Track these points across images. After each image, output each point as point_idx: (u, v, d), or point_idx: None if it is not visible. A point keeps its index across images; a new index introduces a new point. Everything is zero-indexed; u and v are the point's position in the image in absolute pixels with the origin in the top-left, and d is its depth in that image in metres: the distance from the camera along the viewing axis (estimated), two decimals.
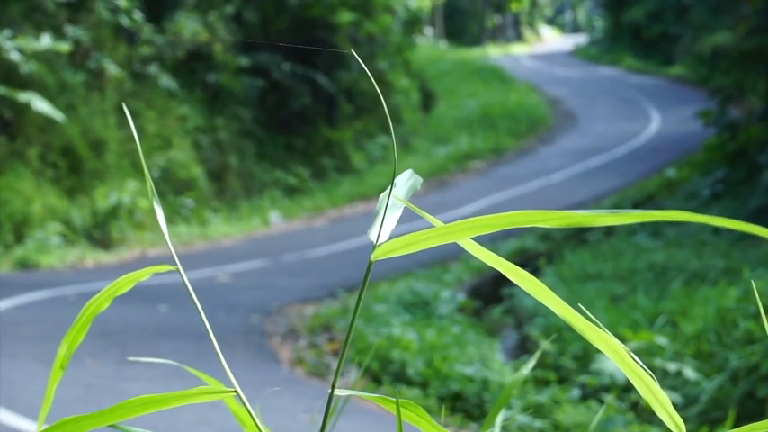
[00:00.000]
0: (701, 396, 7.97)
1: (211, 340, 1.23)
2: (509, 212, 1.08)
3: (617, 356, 1.11)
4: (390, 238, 1.16)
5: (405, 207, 1.21)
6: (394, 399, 1.15)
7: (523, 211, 1.07)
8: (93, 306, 1.22)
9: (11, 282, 12.20)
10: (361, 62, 1.13)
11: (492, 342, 10.40)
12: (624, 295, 11.21)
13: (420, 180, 1.26)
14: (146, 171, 1.23)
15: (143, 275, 1.20)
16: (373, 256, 1.13)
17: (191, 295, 1.21)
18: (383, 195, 1.20)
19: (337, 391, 1.16)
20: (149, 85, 18.03)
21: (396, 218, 1.19)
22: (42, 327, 9.53)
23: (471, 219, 1.09)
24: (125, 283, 1.21)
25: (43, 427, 1.15)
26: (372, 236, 1.16)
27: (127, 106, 16.45)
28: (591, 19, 59.00)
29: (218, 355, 1.22)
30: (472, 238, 1.11)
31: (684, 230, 13.90)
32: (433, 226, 1.12)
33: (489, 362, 9.11)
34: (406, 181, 1.26)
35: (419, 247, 1.12)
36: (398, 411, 1.14)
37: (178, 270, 1.20)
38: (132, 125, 1.25)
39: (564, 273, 12.77)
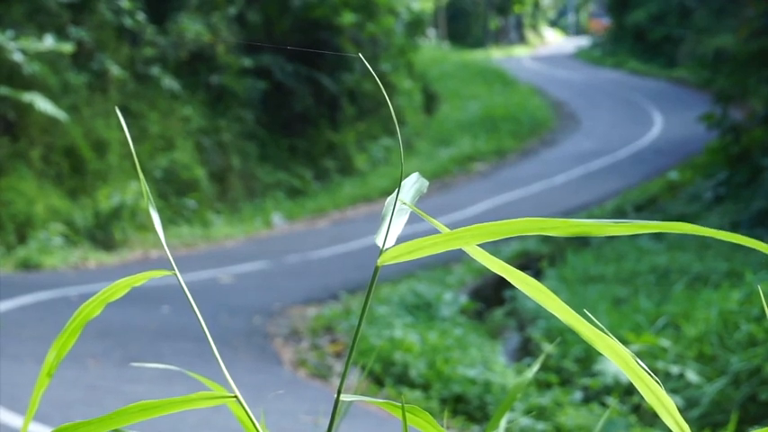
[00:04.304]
0: (703, 399, 7.97)
1: (213, 344, 1.22)
2: (516, 219, 1.07)
3: (621, 361, 1.11)
4: (396, 241, 1.16)
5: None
6: (399, 403, 1.14)
7: (530, 218, 1.07)
8: (85, 312, 1.20)
9: (13, 282, 12.20)
10: (367, 64, 1.12)
11: (494, 344, 10.39)
12: (626, 298, 11.20)
13: (426, 183, 1.25)
14: (141, 177, 1.22)
15: (138, 281, 1.19)
16: (380, 261, 1.13)
17: (189, 300, 1.20)
18: (390, 199, 1.19)
19: (343, 396, 1.16)
20: (152, 87, 18.03)
21: (402, 222, 1.19)
22: (45, 328, 9.53)
23: (478, 225, 1.08)
24: (119, 288, 1.20)
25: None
26: (379, 240, 1.16)
27: (129, 107, 16.46)
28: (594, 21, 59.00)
29: (218, 361, 1.21)
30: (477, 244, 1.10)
31: (687, 233, 13.86)
32: (438, 230, 1.12)
33: (491, 364, 9.11)
34: (412, 184, 1.25)
35: (425, 253, 1.11)
36: (404, 417, 1.14)
37: (175, 275, 1.20)
38: (126, 130, 1.24)
39: (566, 275, 12.77)
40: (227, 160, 19.10)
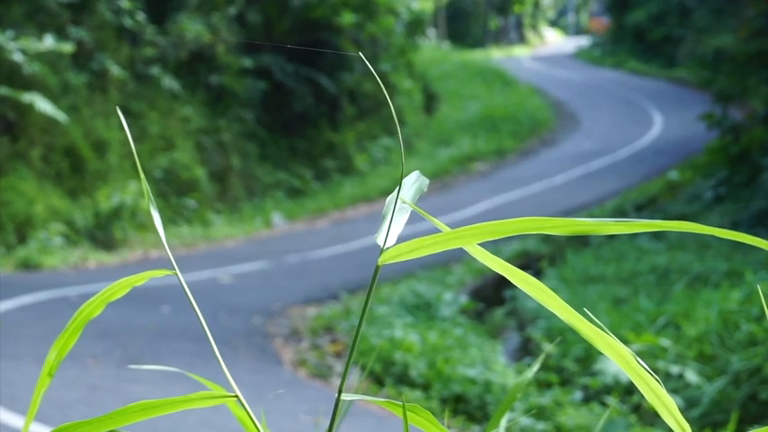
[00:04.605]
0: (704, 399, 7.96)
1: (214, 344, 1.22)
2: (517, 219, 1.07)
3: (621, 360, 1.11)
4: (397, 241, 1.16)
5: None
6: (400, 402, 1.14)
7: (531, 217, 1.07)
8: (86, 311, 1.20)
9: (13, 282, 12.20)
10: (368, 64, 1.12)
11: (494, 344, 10.39)
12: (626, 298, 11.19)
13: (427, 182, 1.25)
14: (142, 177, 1.22)
15: (139, 280, 1.19)
16: (380, 261, 1.13)
17: (190, 300, 1.20)
18: (390, 198, 1.19)
19: (344, 396, 1.16)
20: (152, 87, 18.03)
21: (403, 221, 1.19)
22: (44, 328, 9.53)
23: (479, 224, 1.08)
24: (120, 288, 1.20)
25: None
26: (379, 239, 1.15)
27: (129, 107, 16.42)
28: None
29: (218, 361, 1.21)
30: (478, 244, 1.10)
31: (687, 233, 13.85)
32: (438, 229, 1.12)
33: (492, 364, 9.11)
34: (412, 183, 1.25)
35: (426, 252, 1.11)
36: (405, 415, 1.13)
37: (176, 274, 1.19)
38: (127, 130, 1.24)
39: (566, 275, 12.76)
40: (227, 160, 19.10)
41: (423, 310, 11.23)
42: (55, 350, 1.20)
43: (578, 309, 1.11)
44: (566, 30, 64.93)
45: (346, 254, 14.88)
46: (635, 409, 8.20)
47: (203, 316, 1.22)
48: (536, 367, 1.83)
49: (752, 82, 17.33)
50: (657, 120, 28.85)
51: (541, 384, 8.85)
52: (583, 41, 52.64)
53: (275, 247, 15.59)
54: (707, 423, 7.68)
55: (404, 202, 1.20)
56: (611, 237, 14.59)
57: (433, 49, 39.21)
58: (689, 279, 11.56)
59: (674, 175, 19.50)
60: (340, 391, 1.15)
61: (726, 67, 18.90)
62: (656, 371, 8.14)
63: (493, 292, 12.97)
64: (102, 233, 15.12)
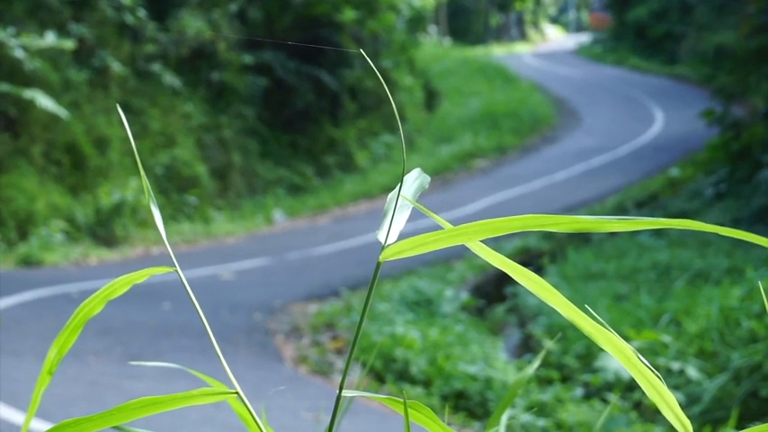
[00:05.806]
0: (704, 395, 7.97)
1: (214, 340, 1.22)
2: (518, 216, 1.07)
3: (623, 356, 1.11)
4: (398, 237, 1.16)
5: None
6: (401, 399, 1.14)
7: (532, 214, 1.07)
8: (86, 309, 1.20)
9: (14, 279, 12.20)
10: (369, 60, 1.12)
11: (495, 341, 10.39)
12: (627, 294, 11.20)
13: (428, 179, 1.25)
14: (142, 173, 1.22)
15: (139, 278, 1.19)
16: (381, 257, 1.13)
17: (190, 297, 1.20)
18: (392, 195, 1.19)
19: (345, 392, 1.16)
20: (153, 83, 18.03)
21: (404, 218, 1.19)
22: (45, 324, 9.54)
23: (481, 221, 1.08)
24: (120, 285, 1.20)
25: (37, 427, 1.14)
26: (381, 236, 1.15)
27: (130, 104, 16.39)
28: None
29: (219, 357, 1.21)
30: (479, 240, 1.10)
31: (688, 230, 13.83)
32: (440, 226, 1.12)
33: (492, 361, 9.11)
34: (414, 180, 1.25)
35: (428, 249, 1.11)
36: (406, 412, 1.14)
37: (176, 271, 1.19)
38: (127, 127, 1.23)
39: (567, 272, 12.77)
40: (228, 157, 19.10)
41: (424, 307, 11.23)
42: (55, 348, 1.20)
43: (579, 305, 1.11)
44: (566, 27, 64.91)
45: (347, 250, 14.88)
46: (636, 406, 8.21)
47: (204, 313, 1.22)
48: (537, 364, 1.83)
49: (753, 79, 17.33)
50: (658, 117, 28.84)
51: (542, 381, 8.85)
52: (584, 38, 52.61)
53: (276, 244, 15.59)
54: (708, 420, 7.69)
55: (405, 200, 1.19)
56: (612, 233, 14.59)
57: (434, 45, 39.17)
58: (690, 276, 11.56)
59: (674, 171, 19.50)
60: (341, 388, 1.15)
61: (727, 64, 18.90)
62: (656, 367, 8.14)
63: (494, 289, 12.97)
64: (103, 230, 15.12)
